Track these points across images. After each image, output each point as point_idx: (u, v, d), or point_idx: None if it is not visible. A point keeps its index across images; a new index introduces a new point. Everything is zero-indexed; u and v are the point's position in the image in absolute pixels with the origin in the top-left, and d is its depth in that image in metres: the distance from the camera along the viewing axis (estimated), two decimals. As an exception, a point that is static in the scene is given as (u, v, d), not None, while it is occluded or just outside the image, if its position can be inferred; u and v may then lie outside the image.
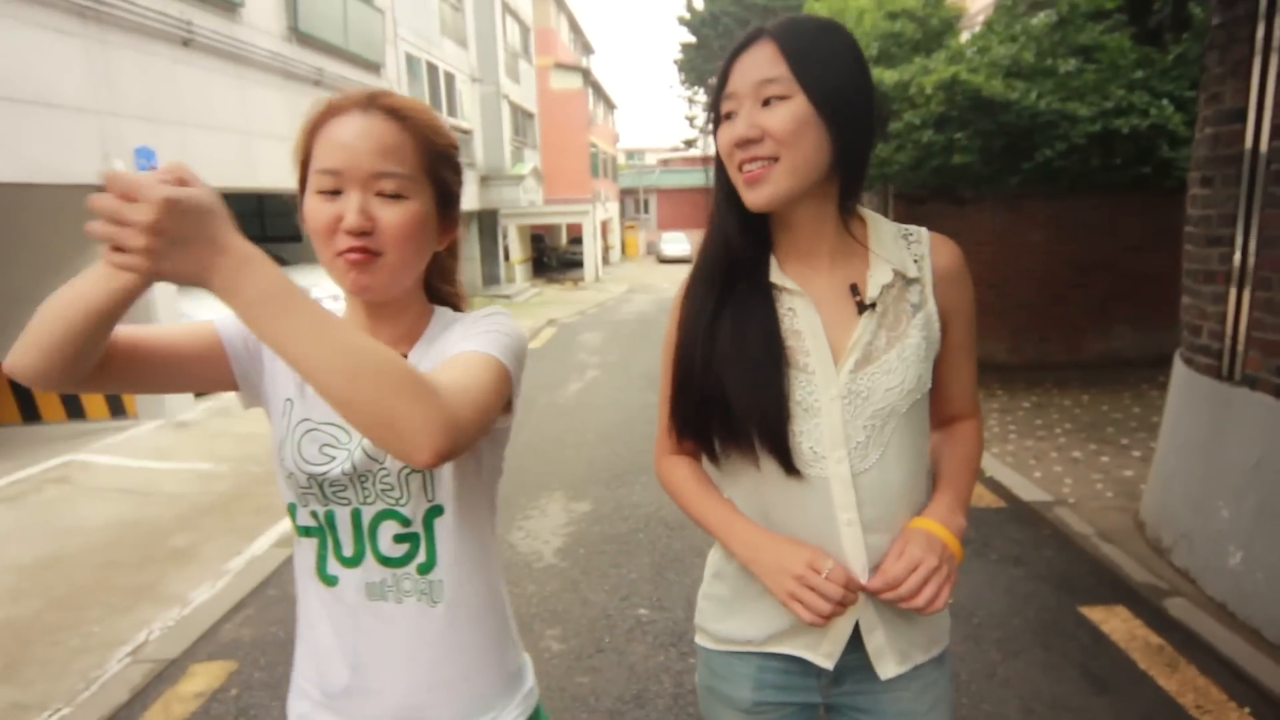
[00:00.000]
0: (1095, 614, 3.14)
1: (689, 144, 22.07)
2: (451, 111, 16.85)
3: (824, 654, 1.11)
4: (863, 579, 1.04)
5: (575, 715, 2.64)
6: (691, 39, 17.99)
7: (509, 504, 4.64)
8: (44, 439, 6.36)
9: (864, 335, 1.05)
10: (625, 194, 44.04)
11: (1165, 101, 6.28)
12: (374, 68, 11.24)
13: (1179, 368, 3.56)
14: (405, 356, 0.99)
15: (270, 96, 8.39)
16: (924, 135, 6.32)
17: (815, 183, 1.01)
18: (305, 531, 1.02)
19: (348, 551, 1.00)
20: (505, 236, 21.82)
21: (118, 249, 0.67)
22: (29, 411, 6.81)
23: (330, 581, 1.01)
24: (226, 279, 0.69)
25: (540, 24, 27.33)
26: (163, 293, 6.49)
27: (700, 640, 1.24)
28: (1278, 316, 2.88)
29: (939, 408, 1.15)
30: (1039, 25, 6.70)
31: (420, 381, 0.74)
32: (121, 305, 0.75)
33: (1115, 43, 6.56)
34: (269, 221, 12.33)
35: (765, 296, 1.07)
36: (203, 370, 0.98)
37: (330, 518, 0.99)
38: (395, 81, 12.18)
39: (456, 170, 1.00)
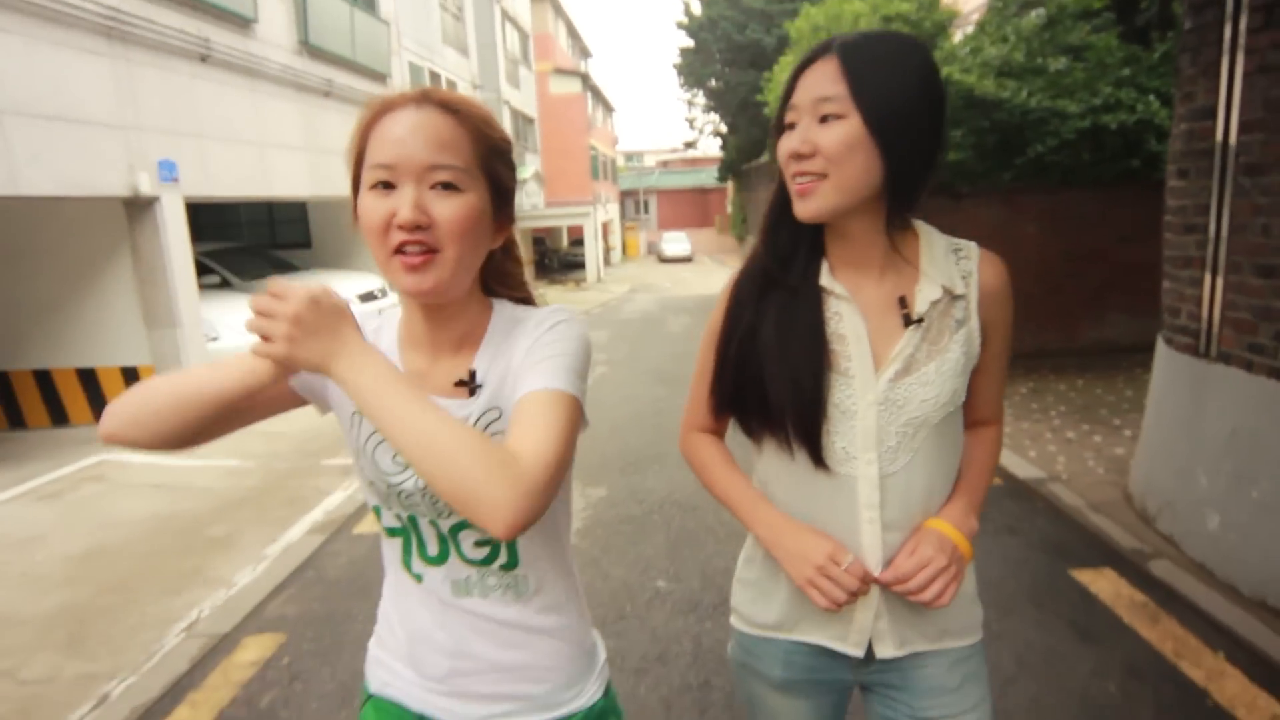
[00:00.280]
0: (1084, 576, 3.36)
1: (689, 145, 22.26)
2: (454, 118, 17.06)
3: (853, 644, 1.16)
4: (876, 572, 1.10)
5: (604, 674, 2.87)
6: (690, 43, 18.20)
7: (528, 492, 4.85)
8: (73, 441, 6.59)
9: (907, 348, 1.08)
10: (625, 195, 44.32)
11: (1152, 97, 6.51)
12: (380, 78, 11.48)
13: (1161, 348, 3.78)
14: (473, 358, 1.01)
15: (283, 108, 8.63)
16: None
17: (865, 199, 1.04)
18: (391, 531, 1.06)
19: (432, 551, 1.03)
20: (507, 240, 22.00)
21: (264, 339, 0.80)
22: (58, 416, 7.04)
23: (417, 578, 1.05)
24: (346, 366, 0.81)
25: (539, 30, 27.59)
26: (186, 298, 6.72)
27: (734, 621, 1.30)
28: (1248, 297, 3.10)
29: (965, 412, 1.17)
30: (1029, 26, 6.93)
31: (500, 463, 0.79)
32: (253, 392, 0.87)
33: (1103, 41, 6.79)
34: (279, 229, 12.57)
35: (814, 298, 1.10)
36: (275, 401, 1.04)
37: (414, 520, 1.02)
38: (399, 89, 12.41)
39: (510, 165, 1.00)
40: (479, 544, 1.01)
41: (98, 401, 6.93)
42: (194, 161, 7.00)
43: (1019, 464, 4.77)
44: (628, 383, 8.44)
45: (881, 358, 1.09)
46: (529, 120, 24.69)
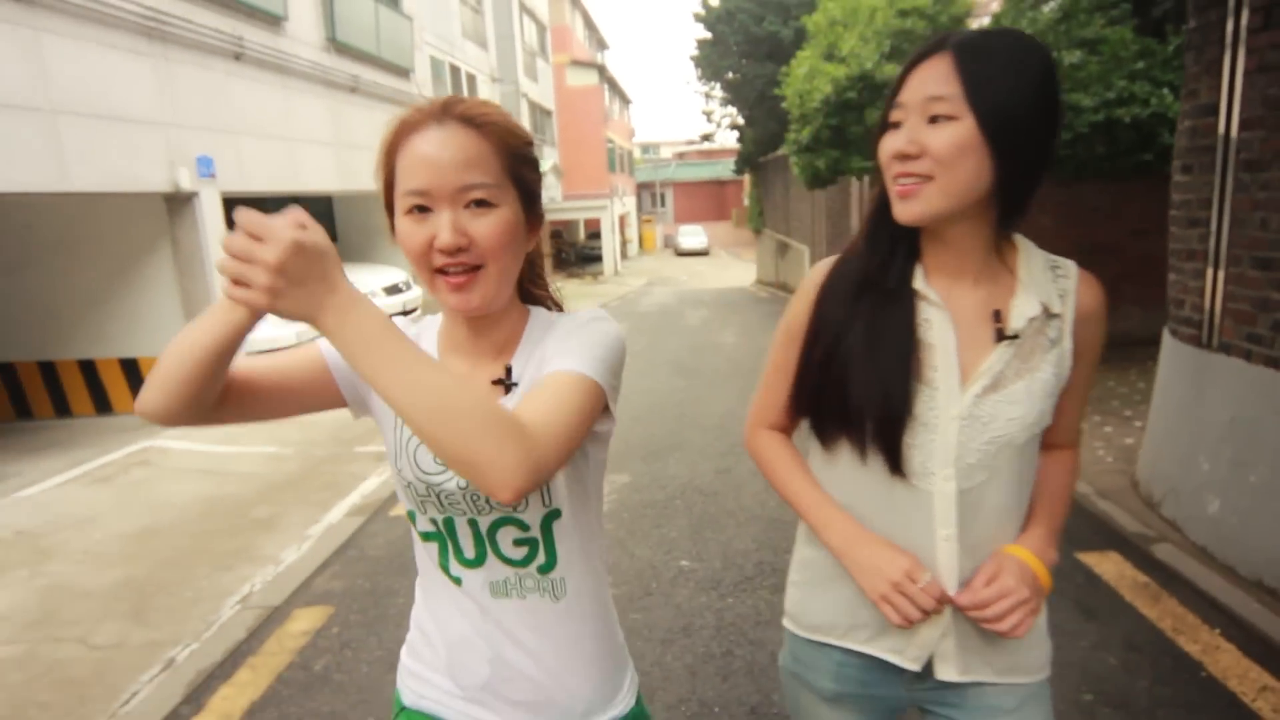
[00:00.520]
0: (1090, 559, 3.52)
1: (706, 138, 22.35)
2: (474, 111, 17.28)
3: (911, 658, 1.12)
4: (951, 592, 1.07)
5: (633, 644, 3.05)
6: (707, 35, 18.28)
7: (554, 477, 5.06)
8: (117, 428, 6.88)
9: (997, 364, 1.04)
10: (642, 188, 44.42)
11: (1165, 91, 6.57)
12: (404, 73, 11.69)
13: (1167, 339, 3.91)
14: (509, 363, 1.01)
15: (311, 104, 8.86)
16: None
17: (971, 204, 1.00)
18: (426, 536, 1.05)
19: (469, 554, 1.02)
20: (526, 232, 22.26)
21: (240, 284, 0.73)
22: (102, 404, 7.34)
23: (456, 581, 1.04)
24: (335, 317, 0.74)
25: (556, 22, 27.72)
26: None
27: (786, 624, 1.26)
28: (1247, 289, 3.24)
29: (1044, 435, 1.12)
30: (1044, 19, 7.01)
31: (505, 422, 0.77)
32: (236, 340, 0.82)
33: (1117, 35, 6.85)
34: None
35: (907, 303, 1.06)
36: (314, 393, 1.02)
37: (450, 524, 1.01)
38: (422, 84, 12.63)
39: (535, 167, 1.00)
40: (518, 543, 1.01)
41: (139, 390, 7.21)
42: (229, 157, 7.24)
43: (1030, 452, 4.90)
44: (647, 374, 8.63)
45: (969, 371, 1.05)
46: (546, 113, 24.87)
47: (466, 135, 0.90)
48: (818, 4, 9.87)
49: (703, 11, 18.07)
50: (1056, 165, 6.10)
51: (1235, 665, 2.69)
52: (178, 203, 6.69)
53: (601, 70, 30.34)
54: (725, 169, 34.66)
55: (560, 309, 1.12)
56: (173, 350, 0.85)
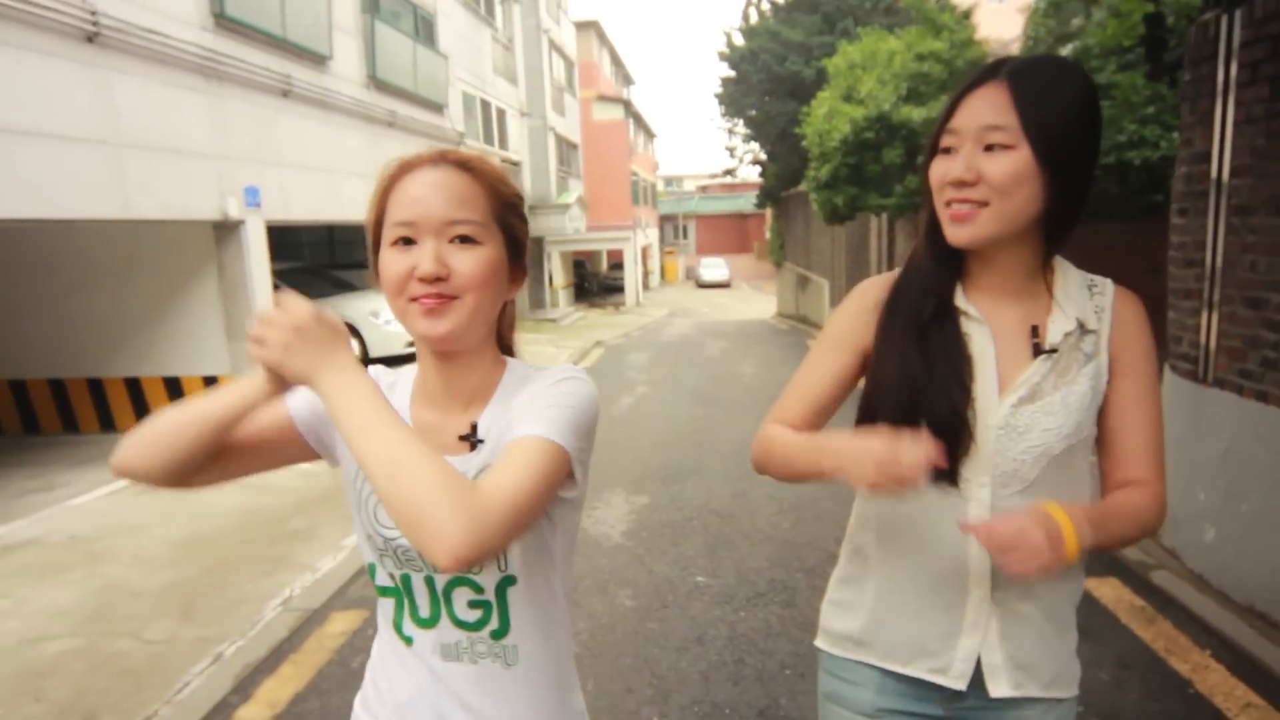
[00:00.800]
0: (1090, 584, 3.65)
1: (729, 172, 22.75)
2: (502, 144, 17.83)
3: (955, 676, 1.12)
4: (985, 589, 1.09)
5: (649, 651, 3.25)
6: (731, 73, 18.73)
7: (577, 497, 5.27)
8: (159, 444, 7.19)
9: (1034, 376, 1.08)
10: (664, 220, 44.93)
11: (1175, 135, 6.77)
12: (438, 108, 12.16)
13: (1167, 375, 4.08)
14: (480, 413, 1.01)
15: (352, 138, 9.29)
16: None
17: (1021, 229, 1.04)
18: (383, 591, 1.05)
19: (424, 613, 1.02)
20: (549, 262, 22.75)
21: (259, 344, 0.84)
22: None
23: (408, 641, 1.04)
24: (330, 379, 0.83)
25: (583, 58, 28.44)
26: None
27: (823, 644, 1.26)
28: (1239, 327, 3.41)
29: (1112, 468, 1.11)
30: (1057, 66, 7.24)
31: (458, 490, 0.79)
32: (247, 412, 0.91)
33: (1128, 80, 7.07)
34: (338, 249, 13.31)
35: (952, 320, 1.10)
36: (283, 450, 1.05)
37: (407, 580, 1.01)
38: (454, 119, 13.10)
39: (523, 219, 1.03)
40: (472, 605, 1.01)
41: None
42: (274, 188, 7.64)
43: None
44: (669, 402, 8.84)
45: (1006, 383, 1.08)
46: (573, 146, 25.44)
47: (459, 177, 0.95)
48: (838, 47, 10.20)
49: (727, 50, 18.55)
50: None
51: (1222, 684, 2.83)
52: (225, 230, 7.07)
53: (627, 105, 30.99)
54: (748, 202, 35.11)
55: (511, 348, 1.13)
56: (175, 416, 0.91)
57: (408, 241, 0.92)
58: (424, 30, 11.99)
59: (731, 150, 20.89)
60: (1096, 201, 6.77)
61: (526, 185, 20.19)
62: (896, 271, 1.19)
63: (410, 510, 0.77)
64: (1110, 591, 3.57)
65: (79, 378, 7.62)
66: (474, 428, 0.99)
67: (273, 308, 0.84)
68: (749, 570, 4.01)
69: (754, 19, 18.19)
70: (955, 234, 1.05)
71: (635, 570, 4.07)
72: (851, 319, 1.18)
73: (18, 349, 7.57)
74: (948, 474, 1.07)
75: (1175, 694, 2.79)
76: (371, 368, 1.00)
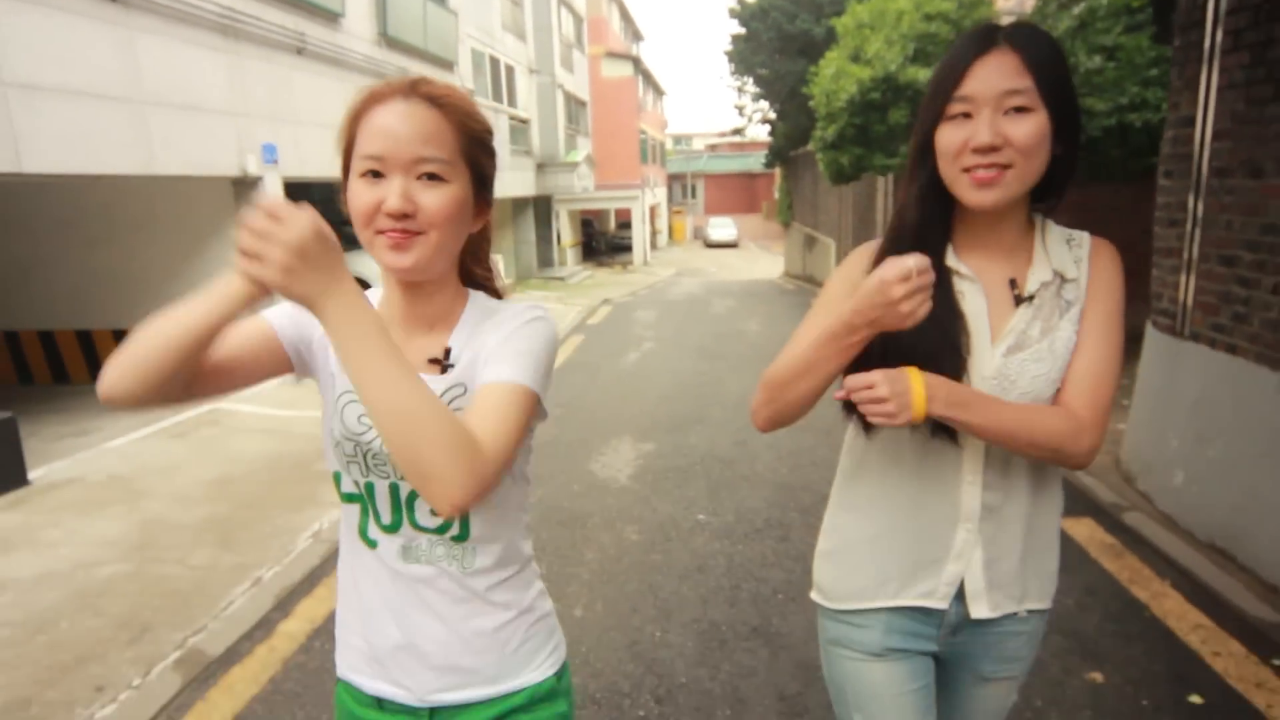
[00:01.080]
0: (1065, 524, 3.89)
1: (737, 132, 22.68)
2: (511, 102, 17.82)
3: (939, 598, 1.21)
4: (974, 524, 1.18)
5: (653, 578, 3.53)
6: (741, 31, 18.58)
7: (586, 445, 5.55)
8: (184, 393, 7.49)
9: (1019, 324, 1.14)
10: (673, 179, 44.73)
11: (1178, 97, 6.85)
12: (448, 65, 12.21)
13: (1149, 330, 4.28)
14: (447, 339, 1.04)
15: (363, 95, 9.41)
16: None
17: (1030, 189, 1.09)
18: (349, 498, 1.07)
19: (386, 519, 1.05)
20: (557, 220, 22.83)
21: (254, 260, 0.77)
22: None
23: (371, 544, 1.07)
24: (336, 306, 0.80)
25: (592, 13, 28.09)
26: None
27: (821, 601, 1.32)
28: (1214, 283, 3.61)
29: (1058, 394, 1.15)
30: (1064, 28, 7.30)
31: (464, 442, 0.83)
32: (230, 320, 0.85)
33: (1133, 42, 7.13)
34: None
35: (945, 279, 1.13)
36: (263, 364, 1.04)
37: (370, 488, 1.04)
38: (464, 76, 13.14)
39: (491, 154, 1.04)
40: (433, 512, 1.03)
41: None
42: (290, 145, 7.80)
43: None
44: (674, 358, 9.08)
45: (996, 334, 1.14)
46: (581, 103, 25.30)
47: (428, 112, 0.95)
48: (848, 6, 10.20)
49: (737, 7, 18.38)
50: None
51: (1177, 608, 3.09)
52: (244, 186, 7.26)
53: (636, 62, 30.67)
54: (756, 162, 34.89)
55: (499, 297, 1.14)
56: (153, 332, 0.87)
57: (376, 174, 0.94)
58: (433, -14, 11.99)
59: (741, 109, 20.79)
60: (1098, 164, 6.93)
61: (535, 143, 20.18)
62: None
63: (419, 463, 0.82)
64: (1084, 530, 3.82)
65: (105, 329, 7.89)
66: (448, 352, 1.03)
67: (266, 214, 0.77)
68: (747, 509, 4.29)
69: (765, -25, 18.02)
70: (981, 197, 1.07)
71: (641, 509, 4.34)
72: (849, 282, 1.19)
73: (45, 301, 7.84)
74: (945, 428, 1.12)
75: (1133, 617, 3.06)
76: None
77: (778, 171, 25.93)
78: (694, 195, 47.21)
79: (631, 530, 4.05)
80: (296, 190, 12.95)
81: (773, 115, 20.28)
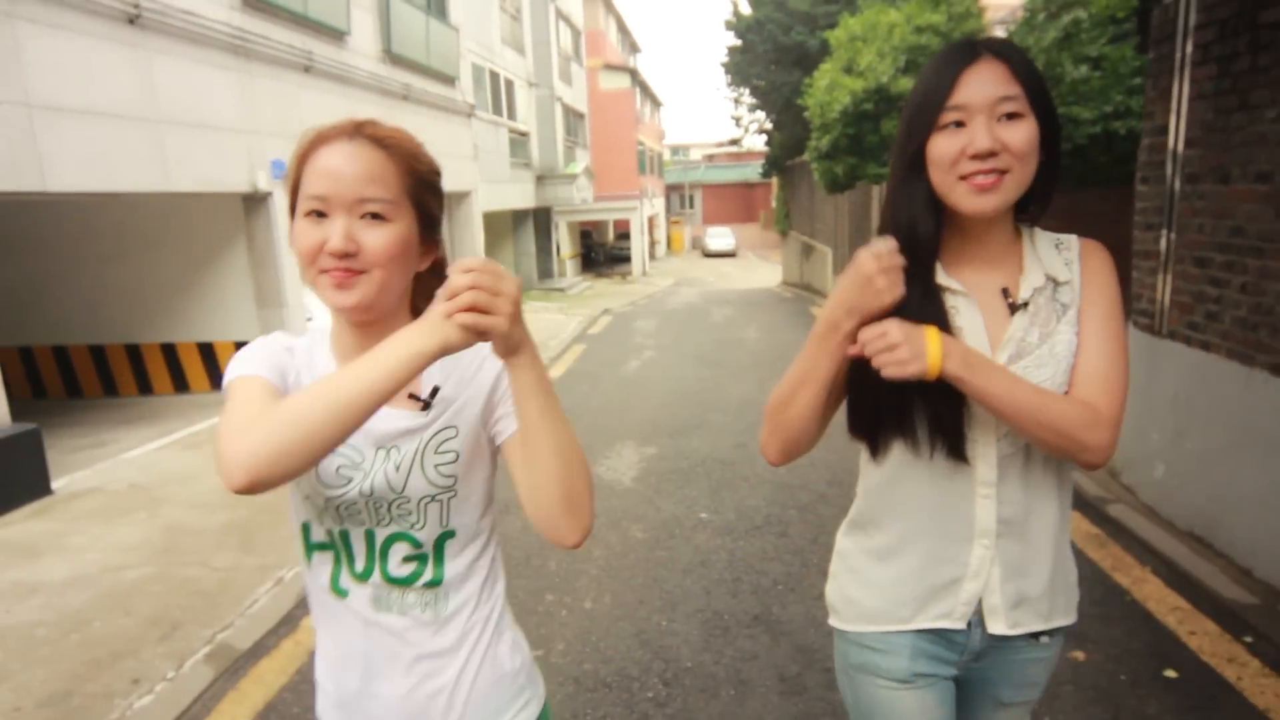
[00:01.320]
0: (1053, 516, 4.08)
1: (734, 142, 22.88)
2: (510, 115, 18.06)
3: (957, 618, 1.20)
4: (990, 540, 1.16)
5: (658, 572, 3.69)
6: (737, 43, 18.85)
7: (590, 449, 5.72)
8: (195, 405, 7.66)
9: (1017, 332, 1.13)
10: (671, 189, 45.00)
11: (1161, 105, 7.06)
12: (450, 80, 12.43)
13: (1131, 330, 4.46)
14: (437, 385, 1.05)
15: (368, 110, 9.59)
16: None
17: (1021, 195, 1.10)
18: (319, 547, 1.06)
19: (359, 567, 1.04)
20: (556, 232, 23.04)
21: (484, 313, 0.83)
22: (180, 383, 8.13)
23: (342, 594, 1.06)
24: (530, 352, 0.90)
25: (590, 26, 28.40)
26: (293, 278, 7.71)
27: (839, 625, 1.30)
28: (1189, 284, 3.78)
29: (1069, 393, 1.15)
30: (1050, 39, 7.52)
31: (591, 484, 0.97)
32: (415, 378, 0.87)
33: (1118, 53, 7.35)
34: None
35: (936, 299, 1.13)
36: None
37: (345, 536, 1.03)
38: (465, 90, 13.37)
39: (438, 194, 1.05)
40: (406, 559, 1.04)
41: (215, 372, 7.99)
42: (297, 162, 8.00)
43: (1017, 432, 5.46)
44: (675, 365, 9.26)
45: (995, 344, 1.14)
46: (579, 115, 25.56)
47: (373, 153, 0.96)
48: (839, 18, 10.44)
49: (734, 19, 18.65)
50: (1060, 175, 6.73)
51: (1156, 592, 3.26)
52: (254, 202, 7.45)
53: (633, 74, 30.97)
54: (753, 171, 35.16)
55: None
56: (322, 406, 0.82)
57: (320, 214, 0.95)
58: (436, 2, 12.23)
59: (737, 120, 21.02)
60: (1085, 170, 7.14)
61: (535, 155, 20.43)
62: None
63: (572, 494, 0.95)
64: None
65: (117, 343, 8.07)
66: (434, 391, 1.03)
67: (487, 270, 0.83)
68: (747, 508, 4.45)
69: (760, -12, 18.29)
70: (980, 204, 1.07)
71: (645, 509, 4.51)
72: None
73: (59, 316, 8.02)
74: (955, 444, 1.13)
75: (1115, 601, 3.22)
76: (279, 335, 1.07)
77: (775, 181, 26.19)
78: (692, 205, 47.49)
79: (637, 529, 4.22)
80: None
81: (769, 125, 20.52)
